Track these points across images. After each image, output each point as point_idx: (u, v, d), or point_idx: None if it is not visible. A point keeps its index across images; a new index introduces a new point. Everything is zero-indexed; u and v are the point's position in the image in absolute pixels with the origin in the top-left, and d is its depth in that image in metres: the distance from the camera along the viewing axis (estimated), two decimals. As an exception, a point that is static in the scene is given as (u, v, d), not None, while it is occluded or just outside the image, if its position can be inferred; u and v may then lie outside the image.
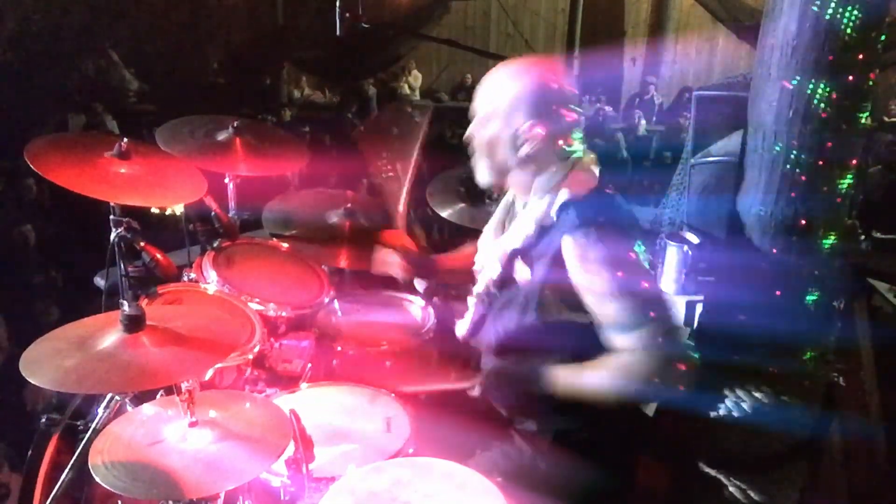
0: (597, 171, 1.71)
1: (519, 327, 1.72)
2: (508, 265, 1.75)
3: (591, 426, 1.71)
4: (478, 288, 1.86)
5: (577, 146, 1.71)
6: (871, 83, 1.84)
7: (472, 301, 1.89)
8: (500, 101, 1.67)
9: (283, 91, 10.10)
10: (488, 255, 1.83)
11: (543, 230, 1.67)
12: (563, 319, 1.64)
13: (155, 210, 2.37)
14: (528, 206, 1.74)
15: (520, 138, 1.66)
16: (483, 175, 1.77)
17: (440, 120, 8.44)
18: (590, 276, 1.57)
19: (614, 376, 1.58)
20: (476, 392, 1.79)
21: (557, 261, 1.61)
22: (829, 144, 1.83)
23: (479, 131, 1.73)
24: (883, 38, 1.80)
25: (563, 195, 1.65)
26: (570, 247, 1.59)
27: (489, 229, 1.91)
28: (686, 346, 1.62)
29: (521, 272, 1.72)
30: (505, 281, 1.77)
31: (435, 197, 2.74)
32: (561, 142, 1.68)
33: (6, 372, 3.80)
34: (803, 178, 1.86)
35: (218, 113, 2.60)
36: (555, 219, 1.65)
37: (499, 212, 1.90)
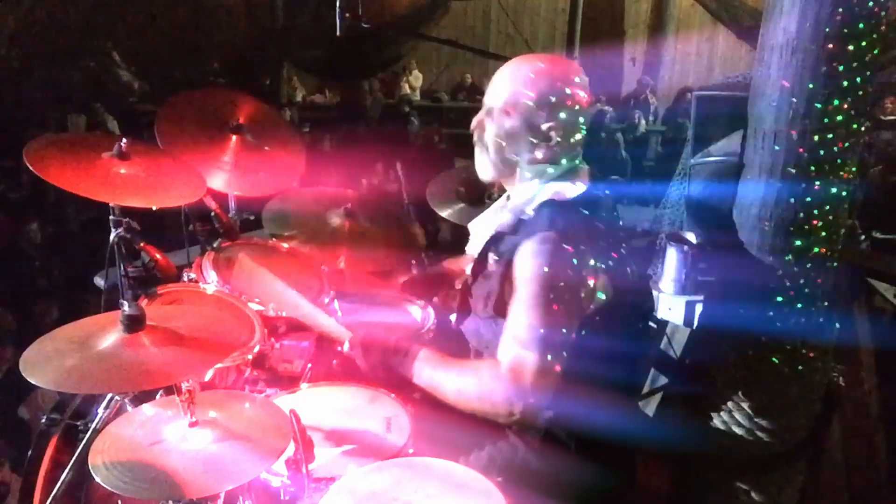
0: (586, 181, 1.70)
1: (484, 320, 1.74)
2: (484, 253, 1.75)
3: (579, 423, 1.71)
4: (465, 275, 1.87)
5: (578, 153, 1.71)
6: (870, 83, 1.84)
7: (460, 287, 1.91)
8: (528, 95, 1.64)
9: (283, 91, 10.10)
10: (476, 243, 1.84)
11: (519, 223, 1.66)
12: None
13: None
14: (511, 198, 1.74)
15: (539, 137, 1.66)
16: (486, 170, 1.76)
17: (430, 123, 8.47)
18: (521, 278, 1.56)
19: (471, 383, 1.58)
20: (346, 349, 1.79)
21: (512, 260, 1.61)
22: (829, 144, 1.83)
23: (495, 123, 1.70)
24: (882, 38, 1.80)
25: (546, 194, 1.65)
26: (524, 248, 1.57)
27: (481, 220, 1.91)
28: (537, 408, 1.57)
29: (491, 262, 1.71)
30: (479, 270, 1.77)
31: (435, 197, 2.74)
32: (568, 145, 1.68)
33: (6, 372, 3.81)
34: (803, 178, 1.86)
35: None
36: (531, 215, 1.64)
37: (495, 205, 1.91)
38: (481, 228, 1.88)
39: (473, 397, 1.58)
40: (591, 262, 1.57)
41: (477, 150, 1.78)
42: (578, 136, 1.70)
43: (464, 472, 1.54)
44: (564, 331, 1.54)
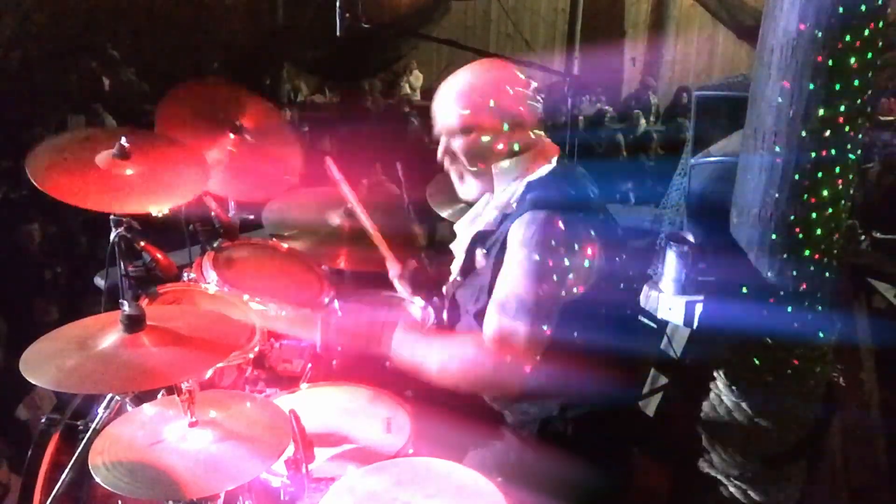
0: (554, 156, 1.76)
1: (477, 314, 1.75)
2: (471, 251, 1.79)
3: (573, 419, 1.72)
4: (452, 276, 1.89)
5: (538, 135, 1.76)
6: (870, 83, 1.84)
7: (447, 288, 1.93)
8: (469, 111, 1.71)
9: (283, 91, 10.10)
10: (460, 244, 1.87)
11: (504, 218, 1.71)
12: None
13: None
14: (494, 196, 1.78)
15: (494, 138, 1.71)
16: (469, 191, 1.82)
17: (430, 123, 8.46)
18: (511, 251, 1.60)
19: (455, 356, 1.60)
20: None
21: (504, 244, 1.64)
22: (829, 145, 1.83)
23: (458, 144, 1.75)
24: (883, 38, 1.80)
25: (523, 184, 1.71)
26: (513, 227, 1.62)
27: (464, 221, 1.93)
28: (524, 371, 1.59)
29: (479, 259, 1.75)
30: (467, 268, 1.81)
31: (435, 197, 2.74)
32: (525, 133, 1.74)
33: (5, 372, 3.81)
34: (803, 178, 1.86)
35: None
36: (514, 206, 1.69)
37: (478, 205, 1.92)
38: (466, 228, 1.89)
39: (458, 371, 1.61)
40: (578, 229, 1.60)
41: (454, 179, 1.84)
42: (532, 118, 1.75)
43: (463, 472, 1.54)
44: (552, 300, 1.56)
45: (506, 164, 1.74)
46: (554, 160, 1.75)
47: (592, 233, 1.62)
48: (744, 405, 2.03)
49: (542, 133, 1.79)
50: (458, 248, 1.89)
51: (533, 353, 1.56)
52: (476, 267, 1.77)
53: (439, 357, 1.64)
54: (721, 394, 2.07)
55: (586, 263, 1.60)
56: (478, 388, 1.61)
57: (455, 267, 1.88)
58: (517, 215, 1.64)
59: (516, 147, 1.73)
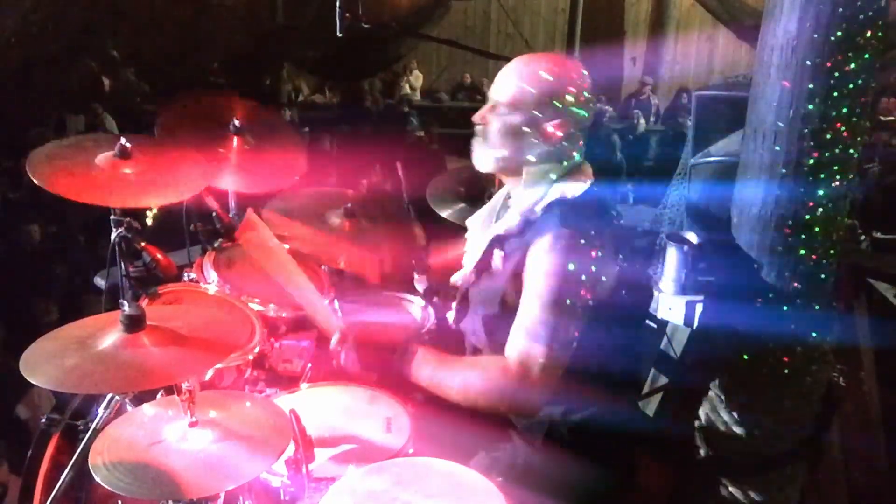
0: (590, 179, 1.73)
1: (485, 318, 1.75)
2: (489, 252, 1.77)
3: (576, 422, 1.72)
4: (463, 272, 1.88)
5: (581, 149, 1.74)
6: (870, 83, 1.84)
7: (458, 282, 1.91)
8: (534, 92, 1.67)
9: (283, 91, 10.10)
10: (475, 240, 1.86)
11: (527, 224, 1.69)
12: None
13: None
14: (516, 198, 1.76)
15: (544, 134, 1.68)
16: (486, 162, 1.77)
17: (430, 123, 8.49)
18: (536, 274, 1.59)
19: (477, 379, 1.60)
20: (333, 343, 1.80)
21: (524, 255, 1.63)
22: (829, 144, 1.83)
23: (500, 118, 1.72)
24: (883, 38, 1.80)
25: (554, 194, 1.67)
26: (537, 245, 1.61)
27: (479, 216, 1.92)
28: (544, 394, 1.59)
29: (497, 261, 1.73)
30: (482, 268, 1.79)
31: (435, 197, 2.74)
32: (571, 143, 1.71)
33: (5, 372, 3.81)
34: (803, 178, 1.86)
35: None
36: (539, 215, 1.67)
37: (492, 200, 1.91)
38: (482, 223, 1.88)
39: (479, 393, 1.60)
40: (603, 257, 1.59)
41: (476, 142, 1.79)
42: (581, 135, 1.73)
43: (464, 473, 1.54)
44: (574, 325, 1.57)
45: (542, 167, 1.70)
46: (590, 182, 1.72)
47: (614, 260, 1.64)
48: (744, 404, 2.03)
49: (582, 157, 1.76)
50: (473, 244, 1.87)
51: (555, 375, 1.57)
52: (492, 268, 1.76)
53: (462, 379, 1.64)
54: (721, 394, 2.07)
55: (606, 282, 1.61)
56: (498, 409, 1.61)
57: (468, 263, 1.86)
58: (543, 227, 1.63)
59: (552, 153, 1.70)
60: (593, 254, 1.58)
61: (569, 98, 1.67)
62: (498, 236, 1.75)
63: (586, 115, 1.71)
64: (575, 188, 1.68)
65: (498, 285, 1.70)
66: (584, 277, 1.57)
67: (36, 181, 1.89)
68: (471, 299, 1.84)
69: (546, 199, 1.68)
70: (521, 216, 1.70)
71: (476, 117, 1.77)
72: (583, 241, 1.58)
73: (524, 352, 1.56)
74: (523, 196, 1.73)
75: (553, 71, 1.68)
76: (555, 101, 1.66)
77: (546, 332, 1.55)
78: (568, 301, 1.55)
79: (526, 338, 1.57)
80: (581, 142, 1.73)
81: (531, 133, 1.69)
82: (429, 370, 1.69)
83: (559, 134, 1.68)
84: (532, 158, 1.71)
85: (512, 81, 1.71)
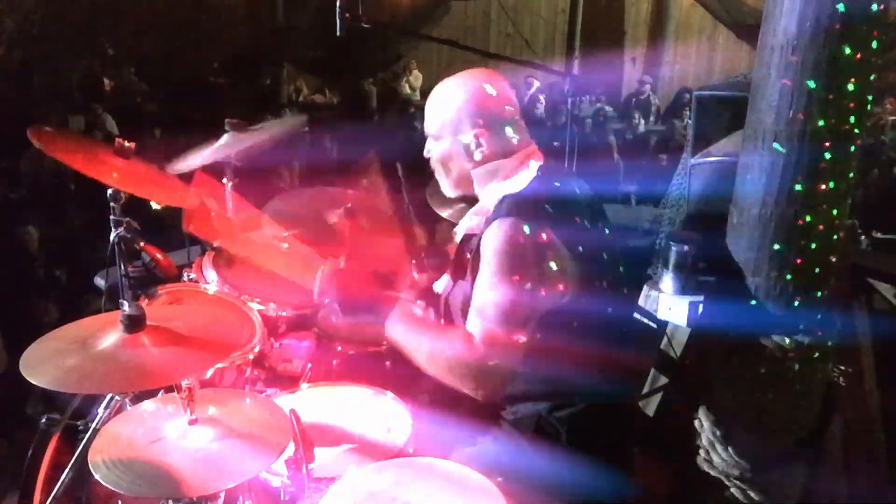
0: (538, 163, 1.78)
1: (463, 318, 1.76)
2: (460, 256, 1.83)
3: (566, 417, 1.72)
4: (444, 279, 1.94)
5: (518, 132, 1.80)
6: (870, 83, 1.84)
7: (437, 288, 1.97)
8: (446, 117, 1.79)
9: (283, 91, 10.10)
10: (454, 245, 1.92)
11: (484, 223, 1.74)
12: None
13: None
14: (480, 202, 1.84)
15: (470, 147, 1.77)
16: (447, 189, 1.90)
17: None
18: (484, 257, 1.64)
19: (444, 350, 1.63)
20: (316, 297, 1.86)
21: (479, 249, 1.67)
22: (829, 145, 1.83)
23: (434, 149, 1.85)
24: (883, 38, 1.80)
25: (502, 189, 1.75)
26: (486, 234, 1.66)
27: (463, 223, 1.96)
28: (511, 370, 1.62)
29: (464, 262, 1.78)
30: (458, 274, 1.84)
31: (435, 197, 2.74)
32: (502, 138, 1.78)
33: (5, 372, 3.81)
34: (803, 178, 1.86)
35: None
36: (491, 210, 1.74)
37: (472, 209, 1.95)
38: (460, 231, 1.92)
39: (444, 365, 1.63)
40: (551, 242, 1.62)
41: (436, 176, 1.91)
42: (511, 125, 1.79)
43: (464, 472, 1.54)
44: (527, 303, 1.60)
45: (485, 169, 1.79)
46: (535, 165, 1.78)
47: (565, 236, 1.64)
48: (744, 405, 2.03)
49: (527, 137, 1.82)
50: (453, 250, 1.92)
51: (514, 356, 1.60)
52: (465, 272, 1.78)
53: (429, 346, 1.67)
54: (721, 394, 2.07)
55: (555, 266, 1.62)
56: (462, 384, 1.62)
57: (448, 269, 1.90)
58: (492, 219, 1.68)
59: (493, 154, 1.77)
60: (541, 237, 1.61)
61: (480, 106, 1.76)
62: (464, 237, 1.82)
63: (508, 108, 1.79)
64: (519, 180, 1.75)
65: (467, 286, 1.72)
66: (529, 258, 1.60)
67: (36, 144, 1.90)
68: (450, 305, 1.85)
69: (496, 195, 1.75)
70: (479, 216, 1.79)
71: (425, 154, 1.89)
72: (526, 227, 1.61)
73: (481, 331, 1.60)
74: (483, 198, 1.82)
75: (454, 92, 1.80)
76: (467, 118, 1.76)
77: (495, 312, 1.59)
78: (515, 277, 1.58)
79: (478, 316, 1.62)
80: (512, 128, 1.79)
81: (462, 153, 1.79)
82: (401, 328, 1.72)
83: (483, 142, 1.76)
84: (475, 168, 1.80)
85: (429, 114, 1.85)
